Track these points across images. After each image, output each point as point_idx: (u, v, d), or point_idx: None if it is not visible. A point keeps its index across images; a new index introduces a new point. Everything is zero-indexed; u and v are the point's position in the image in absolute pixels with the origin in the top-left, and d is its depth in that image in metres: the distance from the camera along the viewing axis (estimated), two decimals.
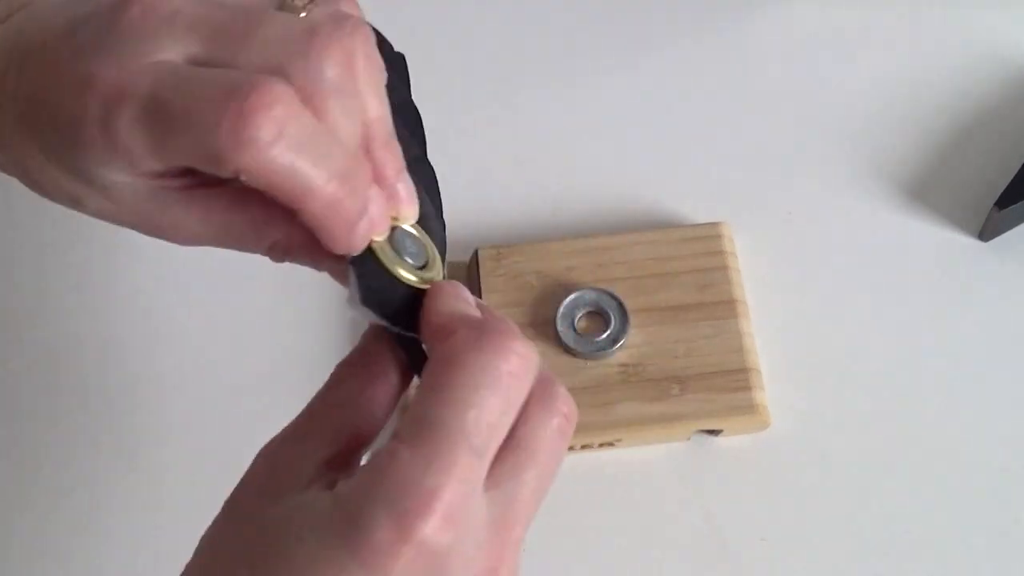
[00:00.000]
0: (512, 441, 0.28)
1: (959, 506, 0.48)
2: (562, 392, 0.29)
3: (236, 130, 0.26)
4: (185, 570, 0.29)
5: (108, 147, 0.28)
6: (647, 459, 0.49)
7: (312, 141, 0.27)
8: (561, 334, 0.49)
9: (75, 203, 0.32)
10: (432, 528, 0.25)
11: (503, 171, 0.58)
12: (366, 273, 0.30)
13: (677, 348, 0.49)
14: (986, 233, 0.55)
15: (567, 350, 0.49)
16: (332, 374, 0.31)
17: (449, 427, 0.26)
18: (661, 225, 0.54)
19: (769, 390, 0.50)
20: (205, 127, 0.26)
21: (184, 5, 0.29)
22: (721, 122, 0.60)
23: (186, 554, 0.30)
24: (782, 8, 0.64)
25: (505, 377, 0.27)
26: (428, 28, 0.65)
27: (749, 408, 0.48)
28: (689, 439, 0.50)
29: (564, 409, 0.29)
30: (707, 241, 0.53)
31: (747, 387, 0.48)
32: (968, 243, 0.55)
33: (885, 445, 0.49)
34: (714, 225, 0.53)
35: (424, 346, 0.30)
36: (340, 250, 0.29)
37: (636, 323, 0.50)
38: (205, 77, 0.28)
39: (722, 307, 0.51)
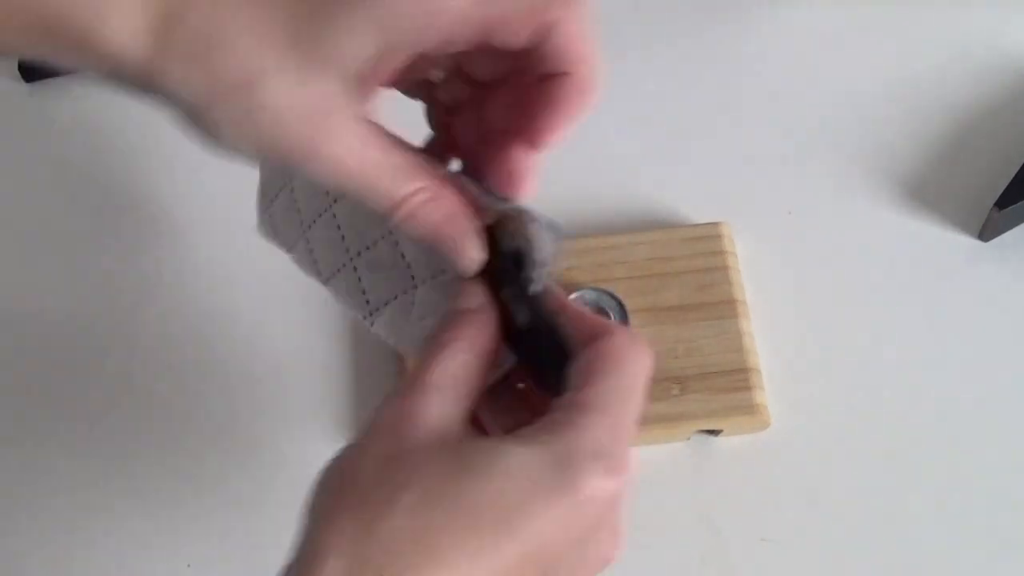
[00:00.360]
0: None
1: (958, 505, 0.48)
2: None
3: None
4: (332, 505, 0.32)
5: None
6: (647, 459, 0.49)
7: None
8: None
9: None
10: (625, 481, 0.32)
11: None
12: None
13: (677, 348, 0.49)
14: (986, 233, 0.55)
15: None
16: (454, 334, 0.35)
17: (626, 406, 0.33)
18: (661, 225, 0.54)
19: (769, 390, 0.50)
20: None
21: None
22: (721, 122, 0.60)
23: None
24: (782, 8, 0.64)
25: (647, 373, 0.34)
26: None
27: (749, 408, 0.48)
28: (689, 439, 0.50)
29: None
30: (707, 241, 0.53)
31: (747, 387, 0.48)
32: (968, 243, 0.55)
33: (885, 445, 0.49)
34: (714, 225, 0.53)
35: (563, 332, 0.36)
36: None
37: (636, 323, 0.50)
38: None
39: (722, 307, 0.51)
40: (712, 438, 0.50)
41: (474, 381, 0.35)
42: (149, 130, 0.61)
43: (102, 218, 0.58)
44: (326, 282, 0.44)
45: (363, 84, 0.34)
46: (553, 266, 0.37)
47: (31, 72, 0.63)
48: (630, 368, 0.34)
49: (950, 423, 0.50)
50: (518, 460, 0.31)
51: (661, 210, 0.56)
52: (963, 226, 0.56)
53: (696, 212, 0.56)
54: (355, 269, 0.43)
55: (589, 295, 0.50)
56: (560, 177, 0.58)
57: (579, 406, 0.33)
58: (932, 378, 0.51)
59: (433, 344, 0.35)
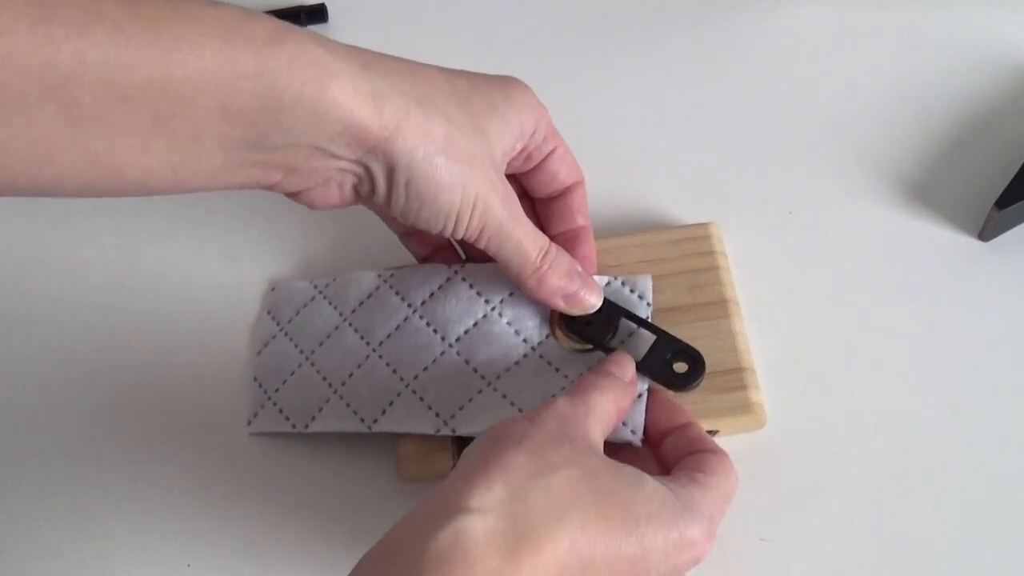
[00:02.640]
0: None
1: (958, 505, 0.48)
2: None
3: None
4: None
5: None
6: None
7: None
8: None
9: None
10: (711, 542, 0.40)
11: None
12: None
13: None
14: (986, 233, 0.55)
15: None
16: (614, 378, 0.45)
17: (725, 501, 0.43)
18: (656, 227, 0.55)
19: (765, 390, 0.50)
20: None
21: None
22: (720, 122, 0.60)
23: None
24: (780, 7, 0.64)
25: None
26: (417, 29, 0.65)
27: (745, 408, 0.48)
28: None
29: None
30: (696, 242, 0.53)
31: (742, 387, 0.48)
32: (968, 243, 0.55)
33: (883, 445, 0.49)
34: (703, 226, 0.53)
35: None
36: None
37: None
38: None
39: (714, 307, 0.51)
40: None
41: (611, 427, 0.44)
42: None
43: (104, 217, 0.58)
44: (373, 424, 0.49)
45: (505, 157, 0.46)
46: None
47: None
48: (733, 480, 0.43)
49: (949, 423, 0.50)
50: (659, 491, 0.39)
51: (657, 211, 0.56)
52: (963, 226, 0.56)
53: (693, 213, 0.56)
54: (414, 392, 0.49)
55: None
56: None
57: (701, 484, 0.41)
58: (931, 378, 0.51)
59: (595, 384, 0.43)
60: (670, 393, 0.47)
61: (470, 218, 0.44)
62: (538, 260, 0.46)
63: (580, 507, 0.37)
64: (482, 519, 0.35)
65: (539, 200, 0.51)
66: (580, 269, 0.48)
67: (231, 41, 0.37)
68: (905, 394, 0.51)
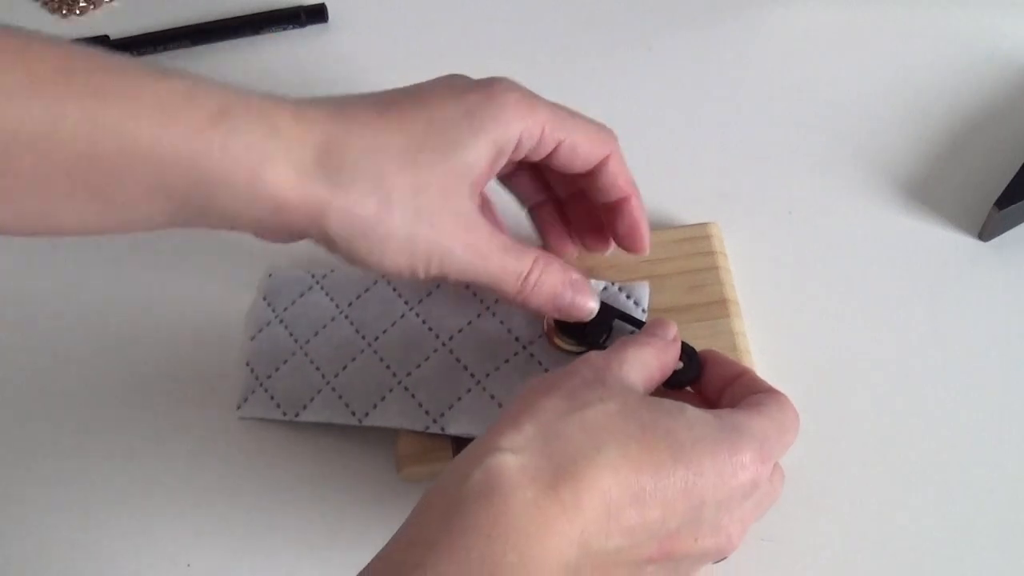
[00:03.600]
0: None
1: (958, 505, 0.48)
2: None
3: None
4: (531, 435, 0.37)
5: None
6: None
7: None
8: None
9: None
10: (768, 468, 0.40)
11: None
12: None
13: None
14: (986, 233, 0.55)
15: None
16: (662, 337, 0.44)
17: (785, 429, 0.42)
18: (657, 226, 0.54)
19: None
20: None
21: None
22: (720, 122, 0.60)
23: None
24: (780, 7, 0.64)
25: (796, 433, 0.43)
26: (417, 29, 0.65)
27: None
28: None
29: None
30: (696, 242, 0.53)
31: None
32: (968, 243, 0.55)
33: (884, 445, 0.49)
34: (703, 225, 0.53)
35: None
36: None
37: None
38: None
39: (714, 307, 0.51)
40: None
41: (653, 380, 0.43)
42: None
43: None
44: (364, 417, 0.49)
45: (476, 186, 0.44)
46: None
47: None
48: (790, 413, 0.42)
49: (949, 423, 0.50)
50: (701, 416, 0.39)
51: (656, 211, 0.56)
52: (963, 226, 0.56)
53: (693, 213, 0.56)
54: (406, 388, 0.49)
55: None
56: None
57: (755, 407, 0.41)
58: (931, 378, 0.51)
59: (634, 340, 0.43)
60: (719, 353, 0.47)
61: (427, 269, 0.43)
62: (518, 285, 0.45)
63: (619, 438, 0.37)
64: (514, 456, 0.36)
65: (573, 175, 0.49)
66: (575, 277, 0.47)
67: (168, 123, 0.38)
68: (905, 394, 0.51)
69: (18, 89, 0.37)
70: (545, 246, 0.51)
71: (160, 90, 0.39)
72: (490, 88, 0.44)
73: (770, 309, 0.53)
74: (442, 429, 0.48)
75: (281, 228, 0.42)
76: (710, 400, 0.45)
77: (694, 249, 0.53)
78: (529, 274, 0.45)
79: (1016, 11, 0.62)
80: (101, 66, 0.38)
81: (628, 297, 0.50)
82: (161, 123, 0.38)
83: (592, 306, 0.47)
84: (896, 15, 0.63)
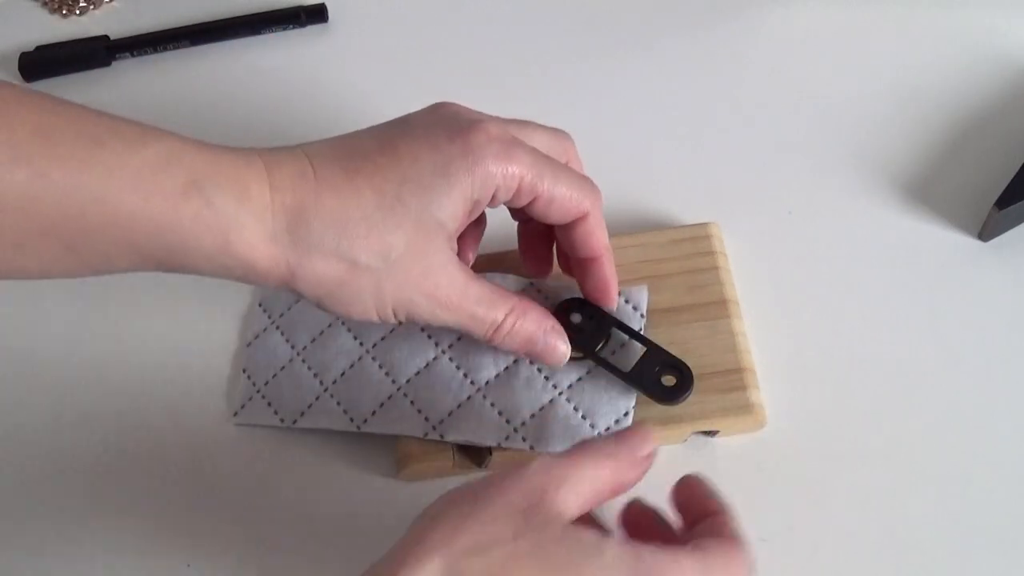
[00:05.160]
0: None
1: (958, 505, 0.48)
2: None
3: None
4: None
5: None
6: None
7: None
8: None
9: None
10: None
11: None
12: None
13: (671, 350, 0.49)
14: (986, 233, 0.55)
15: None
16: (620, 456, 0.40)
17: (727, 572, 0.38)
18: (656, 227, 0.54)
19: (765, 390, 0.50)
20: None
21: None
22: (720, 122, 0.60)
23: None
24: (780, 7, 0.64)
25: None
26: (417, 29, 0.65)
27: (745, 408, 0.48)
28: (686, 441, 0.50)
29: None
30: (696, 242, 0.53)
31: (742, 387, 0.48)
32: (968, 243, 0.55)
33: (883, 445, 0.49)
34: (703, 225, 0.53)
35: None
36: None
37: None
38: None
39: (714, 307, 0.51)
40: (709, 439, 0.50)
41: (600, 499, 0.39)
42: None
43: None
44: (363, 424, 0.50)
45: (451, 239, 0.44)
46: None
47: (31, 72, 0.64)
48: (737, 570, 0.38)
49: (949, 423, 0.50)
50: (619, 557, 0.36)
51: (657, 211, 0.56)
52: (963, 226, 0.56)
53: (692, 213, 0.56)
54: (405, 395, 0.49)
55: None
56: None
57: (696, 549, 0.38)
58: (931, 378, 0.51)
59: (591, 452, 0.39)
60: (704, 480, 0.43)
61: (394, 317, 0.44)
62: (490, 333, 0.46)
63: None
64: None
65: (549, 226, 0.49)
66: (550, 325, 0.47)
67: (143, 194, 0.40)
68: (905, 393, 0.51)
69: (4, 161, 0.38)
70: (523, 263, 0.52)
71: (134, 162, 0.40)
72: (468, 139, 0.43)
73: (770, 309, 0.53)
74: (441, 436, 0.48)
75: (254, 282, 0.43)
76: (685, 521, 0.42)
77: (694, 249, 0.53)
78: (501, 325, 0.46)
79: (1016, 11, 0.62)
80: (78, 131, 0.39)
81: (627, 301, 0.50)
82: (137, 194, 0.40)
83: (563, 351, 0.47)
84: (896, 15, 0.63)
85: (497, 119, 0.45)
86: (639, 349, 0.49)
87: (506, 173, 0.44)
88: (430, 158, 0.43)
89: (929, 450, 0.49)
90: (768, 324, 0.52)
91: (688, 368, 0.47)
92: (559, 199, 0.45)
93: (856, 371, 0.51)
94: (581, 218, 0.47)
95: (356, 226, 0.42)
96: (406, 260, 0.43)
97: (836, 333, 0.52)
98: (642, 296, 0.50)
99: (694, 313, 0.51)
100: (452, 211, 0.43)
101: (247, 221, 0.41)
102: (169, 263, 0.42)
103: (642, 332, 0.49)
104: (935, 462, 0.49)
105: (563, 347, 0.47)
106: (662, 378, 0.48)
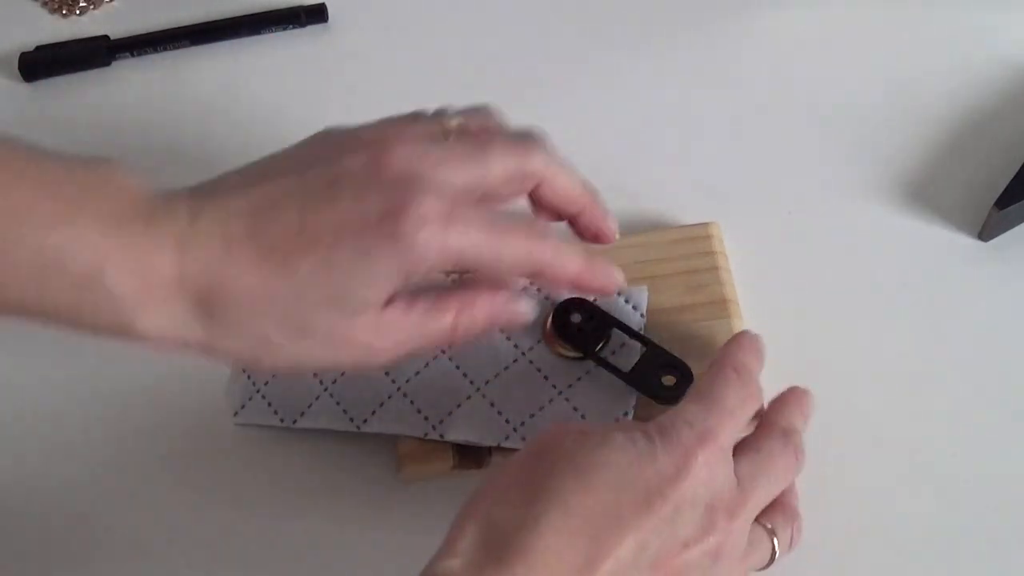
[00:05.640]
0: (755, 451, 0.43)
1: (958, 505, 0.48)
2: (796, 440, 0.45)
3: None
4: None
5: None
6: None
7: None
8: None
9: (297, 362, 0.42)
10: (716, 445, 0.40)
11: None
12: None
13: (671, 350, 0.49)
14: (986, 233, 0.55)
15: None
16: None
17: (724, 391, 0.42)
18: (655, 227, 0.54)
19: (766, 390, 0.49)
20: None
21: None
22: (720, 122, 0.60)
23: None
24: (780, 8, 0.64)
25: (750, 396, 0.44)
26: (417, 30, 0.65)
27: None
28: None
29: (796, 447, 0.44)
30: (696, 242, 0.53)
31: None
32: (968, 243, 0.55)
33: (883, 445, 0.49)
34: (703, 225, 0.53)
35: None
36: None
37: None
38: None
39: (714, 307, 0.51)
40: None
41: None
42: (151, 130, 0.62)
43: None
44: (363, 424, 0.49)
45: (382, 302, 0.41)
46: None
47: (31, 72, 0.64)
48: (724, 386, 0.43)
49: (949, 423, 0.50)
50: (628, 435, 0.40)
51: (656, 211, 0.56)
52: (963, 226, 0.56)
53: (692, 213, 0.56)
54: (405, 395, 0.49)
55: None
56: None
57: (689, 397, 0.43)
58: (931, 378, 0.51)
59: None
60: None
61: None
62: (450, 338, 0.44)
63: (556, 498, 0.37)
64: (457, 560, 0.37)
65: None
66: (502, 299, 0.44)
67: (45, 282, 0.39)
68: (905, 394, 0.51)
69: None
70: None
71: (33, 249, 0.38)
72: (398, 222, 0.39)
73: (770, 309, 0.53)
74: (441, 436, 0.48)
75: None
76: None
77: (694, 249, 0.52)
78: (456, 327, 0.43)
79: (1016, 11, 0.62)
80: None
81: (627, 302, 0.50)
82: (40, 283, 0.39)
83: (524, 311, 0.44)
84: (896, 15, 0.63)
85: (449, 164, 0.41)
86: (639, 349, 0.49)
87: (442, 257, 0.40)
88: (354, 241, 0.39)
89: (929, 450, 0.49)
90: (768, 324, 0.52)
91: (688, 368, 0.47)
92: (509, 260, 0.42)
93: (856, 371, 0.51)
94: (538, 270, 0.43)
95: (269, 311, 0.40)
96: (326, 334, 0.41)
97: (836, 333, 0.52)
98: (642, 296, 0.50)
99: (694, 313, 0.51)
100: (376, 292, 0.41)
101: (151, 306, 0.40)
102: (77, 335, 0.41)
103: (642, 332, 0.49)
104: (935, 462, 0.49)
105: (523, 308, 0.44)
106: (662, 378, 0.48)
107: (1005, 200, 0.53)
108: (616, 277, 0.45)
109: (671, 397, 0.47)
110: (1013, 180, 0.54)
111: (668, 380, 0.48)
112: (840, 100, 0.60)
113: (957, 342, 0.52)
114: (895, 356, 0.52)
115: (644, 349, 0.48)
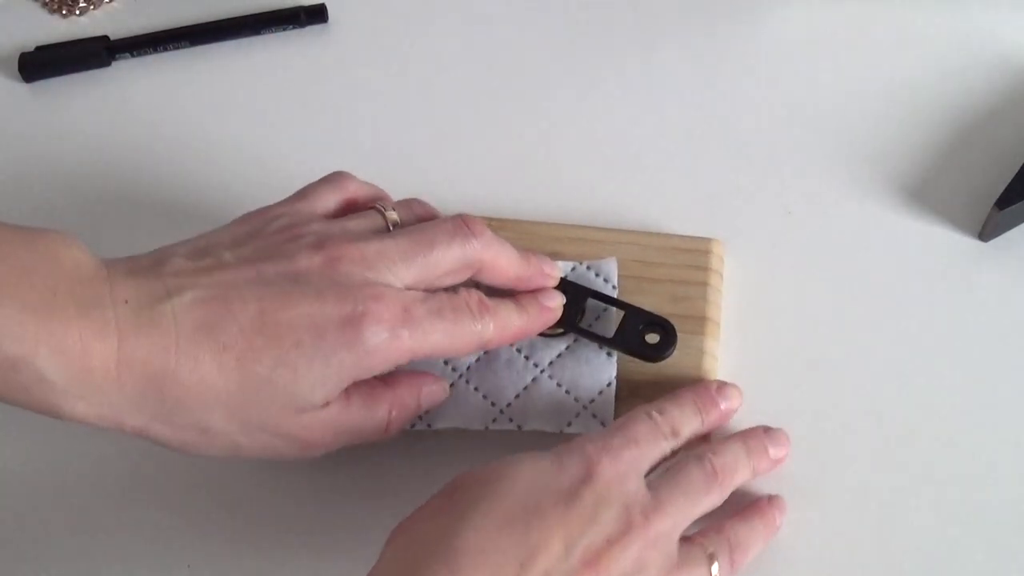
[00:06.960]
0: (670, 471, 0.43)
1: (958, 506, 0.48)
2: (713, 460, 0.44)
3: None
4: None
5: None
6: None
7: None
8: None
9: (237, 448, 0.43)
10: (616, 457, 0.41)
11: (513, 154, 0.59)
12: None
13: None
14: (986, 233, 0.55)
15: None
16: None
17: (628, 431, 0.43)
18: (659, 231, 0.54)
19: (767, 389, 0.50)
20: None
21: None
22: (719, 123, 0.60)
23: None
24: (779, 8, 0.64)
25: (661, 435, 0.44)
26: (417, 30, 0.65)
27: None
28: None
29: (712, 463, 0.44)
30: (694, 255, 0.52)
31: None
32: (968, 243, 0.55)
33: (883, 445, 0.49)
34: (705, 240, 0.53)
35: None
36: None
37: None
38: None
39: (691, 322, 0.50)
40: None
41: None
42: (151, 130, 0.62)
43: (103, 219, 0.58)
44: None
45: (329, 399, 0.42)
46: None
47: (31, 72, 0.64)
48: (653, 410, 0.46)
49: (949, 423, 0.50)
50: (539, 469, 0.41)
51: (656, 213, 0.56)
52: (963, 226, 0.55)
53: (692, 212, 0.56)
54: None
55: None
56: (560, 170, 0.58)
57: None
58: (931, 378, 0.51)
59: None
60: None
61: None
62: (385, 433, 0.46)
63: (473, 509, 0.39)
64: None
65: None
66: (426, 390, 0.47)
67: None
68: (905, 394, 0.51)
69: None
70: None
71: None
72: (359, 330, 0.40)
73: (769, 308, 0.53)
74: (428, 425, 0.49)
75: None
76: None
77: (690, 261, 0.52)
78: (389, 423, 0.45)
79: (1016, 11, 0.62)
80: None
81: (597, 275, 0.51)
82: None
83: (445, 389, 0.47)
84: (896, 15, 0.63)
85: (400, 264, 0.43)
86: (616, 316, 0.49)
87: (398, 359, 0.42)
88: (313, 344, 0.40)
89: (929, 450, 0.49)
90: (767, 323, 0.52)
91: (671, 324, 0.48)
92: (460, 345, 0.44)
93: (856, 371, 0.51)
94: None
95: (218, 402, 0.40)
96: (270, 429, 0.42)
97: (835, 333, 0.52)
98: (612, 268, 0.51)
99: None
100: (326, 393, 0.41)
101: (83, 393, 0.39)
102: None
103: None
104: (935, 462, 0.49)
105: (444, 388, 0.47)
106: (645, 337, 0.48)
107: (1005, 200, 0.53)
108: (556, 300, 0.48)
109: (656, 353, 0.48)
110: (1013, 180, 0.54)
111: (652, 338, 0.48)
112: (840, 101, 0.60)
113: (957, 342, 0.52)
114: (895, 356, 0.52)
115: (623, 314, 0.49)
